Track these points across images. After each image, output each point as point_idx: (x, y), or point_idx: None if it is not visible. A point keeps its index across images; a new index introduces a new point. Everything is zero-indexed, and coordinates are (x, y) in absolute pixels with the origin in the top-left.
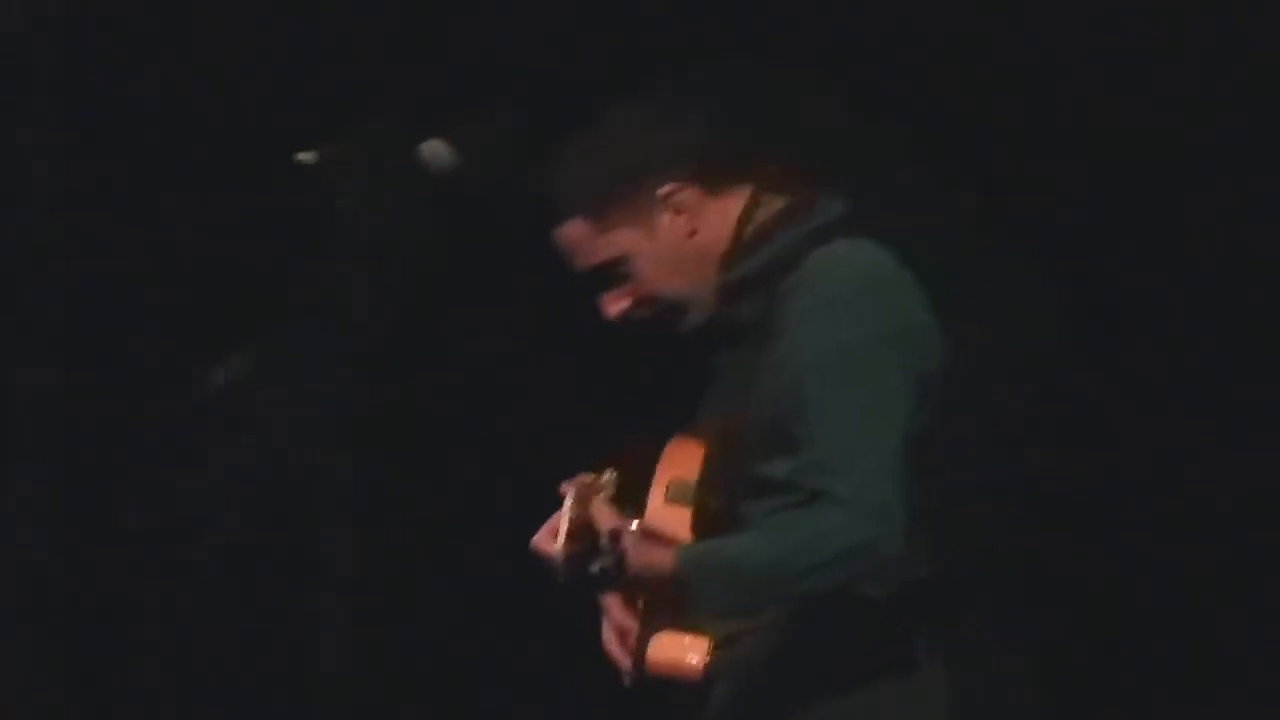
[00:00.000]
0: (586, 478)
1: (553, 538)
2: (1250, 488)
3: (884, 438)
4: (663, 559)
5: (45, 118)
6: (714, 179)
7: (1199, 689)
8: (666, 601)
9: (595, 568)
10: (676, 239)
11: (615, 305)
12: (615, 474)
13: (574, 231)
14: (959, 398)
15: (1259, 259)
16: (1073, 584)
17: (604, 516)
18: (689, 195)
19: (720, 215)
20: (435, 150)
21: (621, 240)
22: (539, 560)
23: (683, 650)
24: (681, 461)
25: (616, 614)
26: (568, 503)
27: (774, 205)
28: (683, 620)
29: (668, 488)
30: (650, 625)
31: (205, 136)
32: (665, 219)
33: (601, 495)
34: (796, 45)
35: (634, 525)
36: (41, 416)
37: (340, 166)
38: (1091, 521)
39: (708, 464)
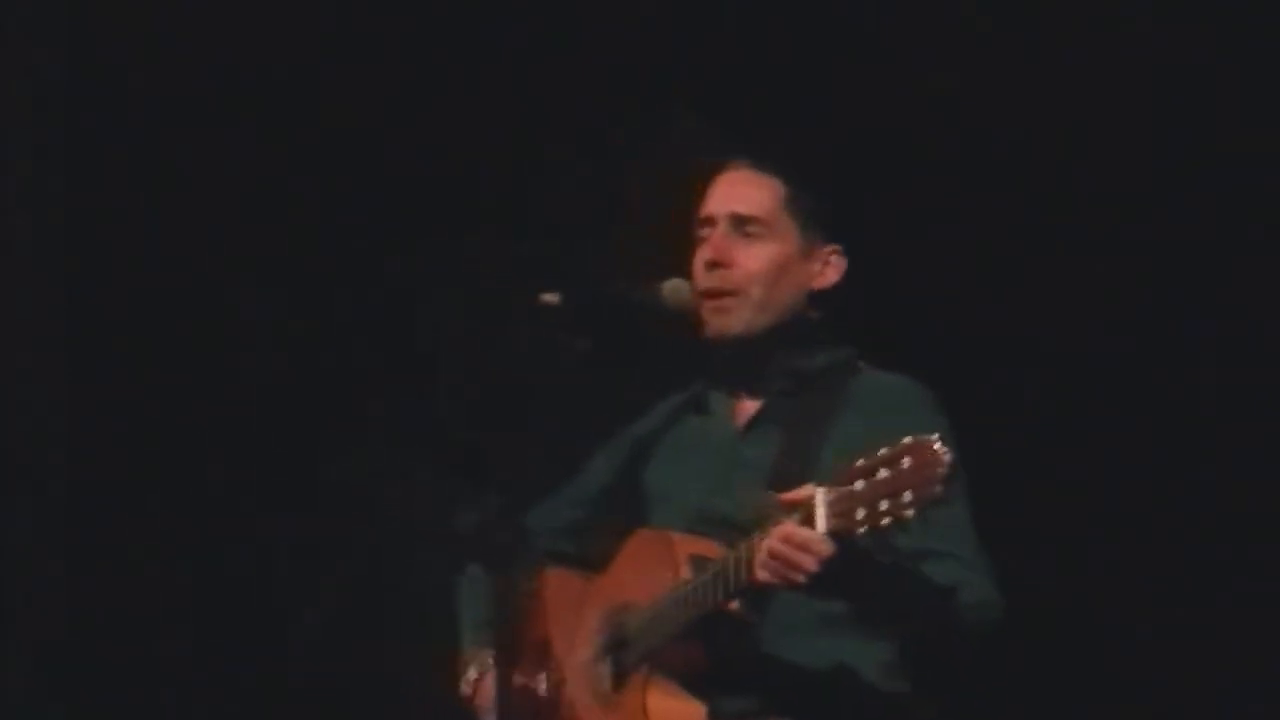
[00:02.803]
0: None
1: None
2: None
3: (972, 522)
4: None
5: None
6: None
7: None
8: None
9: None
10: (801, 280)
11: (720, 251)
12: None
13: (765, 184)
14: None
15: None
16: None
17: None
18: (839, 268)
19: (826, 298)
20: (677, 289)
21: (783, 225)
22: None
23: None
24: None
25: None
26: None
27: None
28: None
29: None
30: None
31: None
32: (814, 266)
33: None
34: None
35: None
36: None
37: (583, 310)
38: None
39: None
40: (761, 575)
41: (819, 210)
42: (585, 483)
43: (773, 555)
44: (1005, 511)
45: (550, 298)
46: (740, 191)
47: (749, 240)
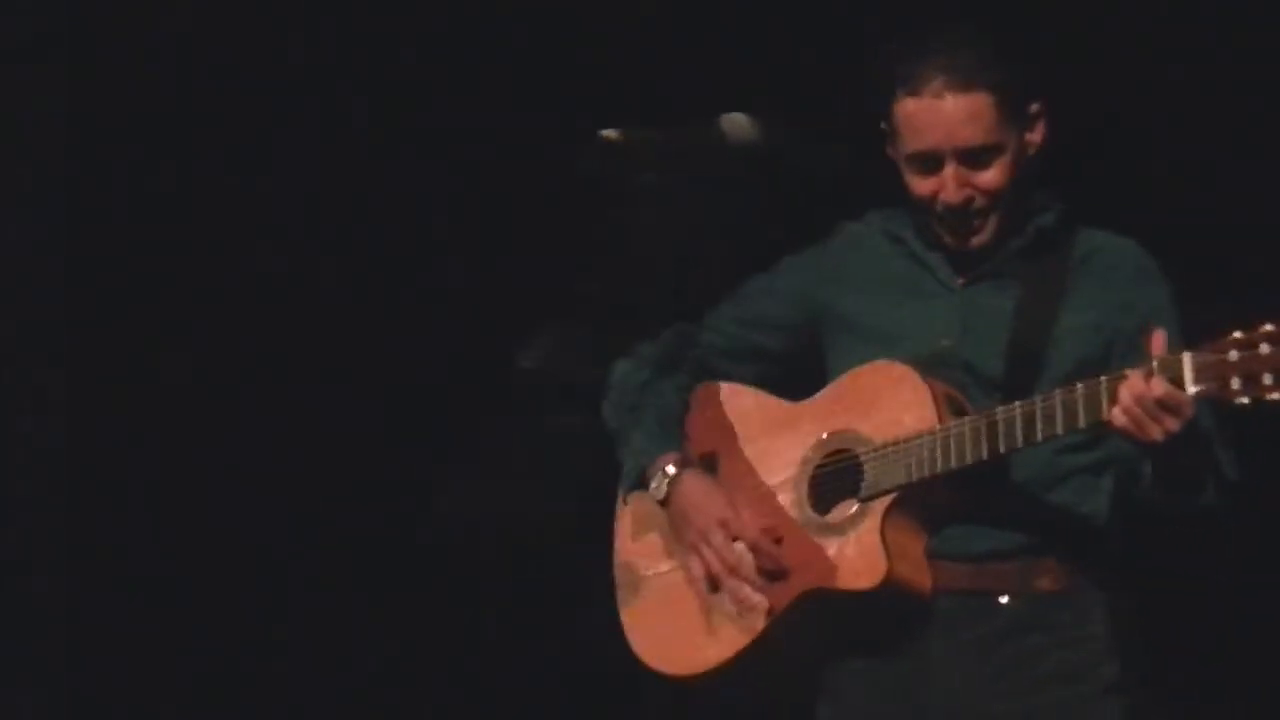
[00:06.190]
0: None
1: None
2: None
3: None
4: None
5: None
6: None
7: None
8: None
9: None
10: (1027, 157)
11: (958, 191)
12: None
13: (977, 104)
14: None
15: None
16: None
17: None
18: (1043, 116)
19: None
20: (736, 123)
21: (1005, 132)
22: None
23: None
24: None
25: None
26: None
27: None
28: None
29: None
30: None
31: None
32: (1030, 137)
33: None
34: None
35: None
36: None
37: (645, 146)
38: None
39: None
40: (1119, 420)
41: (1025, 91)
42: (760, 309)
43: (1138, 405)
44: None
45: (609, 133)
46: (958, 121)
47: (982, 164)
